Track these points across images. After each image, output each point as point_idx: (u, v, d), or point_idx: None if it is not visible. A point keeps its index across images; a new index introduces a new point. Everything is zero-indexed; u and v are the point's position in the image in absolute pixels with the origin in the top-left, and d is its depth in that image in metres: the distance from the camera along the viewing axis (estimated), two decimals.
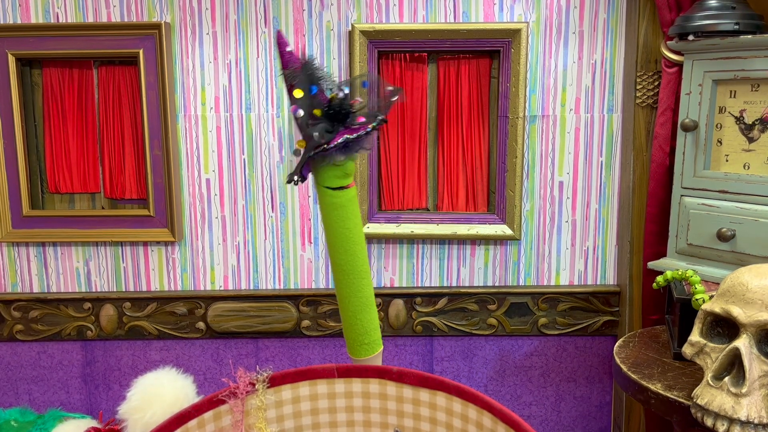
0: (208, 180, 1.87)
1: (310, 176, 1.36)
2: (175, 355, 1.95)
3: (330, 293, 1.90)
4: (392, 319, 1.91)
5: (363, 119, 1.31)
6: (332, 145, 1.28)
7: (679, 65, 1.60)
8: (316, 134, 1.27)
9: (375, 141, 1.48)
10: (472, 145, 1.87)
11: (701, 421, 1.17)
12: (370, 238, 1.88)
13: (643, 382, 1.37)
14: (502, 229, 1.85)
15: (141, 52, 1.77)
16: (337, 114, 1.29)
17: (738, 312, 1.16)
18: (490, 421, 1.16)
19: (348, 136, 1.28)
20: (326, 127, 1.29)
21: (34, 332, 1.93)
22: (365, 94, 1.48)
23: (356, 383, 1.31)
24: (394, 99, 1.39)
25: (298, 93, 1.30)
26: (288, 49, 1.35)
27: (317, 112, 1.29)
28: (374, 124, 1.31)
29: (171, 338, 1.93)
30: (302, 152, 1.31)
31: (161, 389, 1.45)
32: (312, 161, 1.32)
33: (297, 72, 1.31)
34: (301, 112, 1.29)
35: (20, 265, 1.92)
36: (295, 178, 1.34)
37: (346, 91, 1.30)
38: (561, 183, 1.86)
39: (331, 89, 1.31)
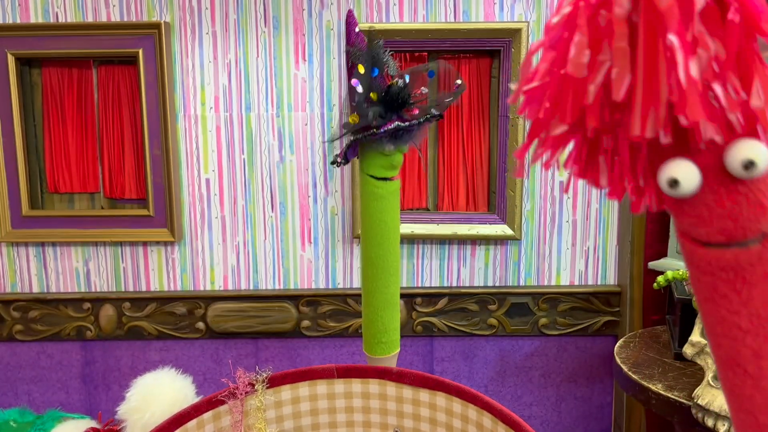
0: (207, 180, 1.86)
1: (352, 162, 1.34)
2: (175, 356, 1.95)
3: (330, 293, 1.90)
4: None
5: (417, 111, 1.29)
6: (381, 131, 1.26)
7: None
8: (369, 114, 1.25)
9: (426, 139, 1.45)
10: (472, 145, 1.86)
11: (702, 422, 1.17)
12: None
13: (644, 383, 1.36)
14: (502, 229, 1.84)
15: (140, 51, 1.76)
16: (393, 101, 1.26)
17: None
18: (490, 422, 1.16)
19: (399, 124, 1.26)
20: (380, 111, 1.27)
21: (34, 332, 1.93)
22: (433, 85, 1.44)
23: (356, 384, 1.30)
24: (457, 93, 1.36)
25: (361, 68, 1.28)
26: (357, 29, 1.34)
27: (374, 95, 1.27)
28: (426, 117, 1.28)
29: (170, 338, 1.93)
30: (351, 128, 1.29)
31: (160, 390, 1.45)
32: (359, 146, 1.30)
33: (362, 51, 1.30)
34: (360, 88, 1.27)
35: (20, 265, 1.92)
36: (339, 159, 1.32)
37: (407, 79, 1.28)
38: (561, 183, 1.85)
39: (392, 75, 1.29)
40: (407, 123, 1.26)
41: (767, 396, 0.50)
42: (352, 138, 1.29)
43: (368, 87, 1.27)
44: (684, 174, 0.45)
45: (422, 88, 1.30)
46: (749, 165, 0.44)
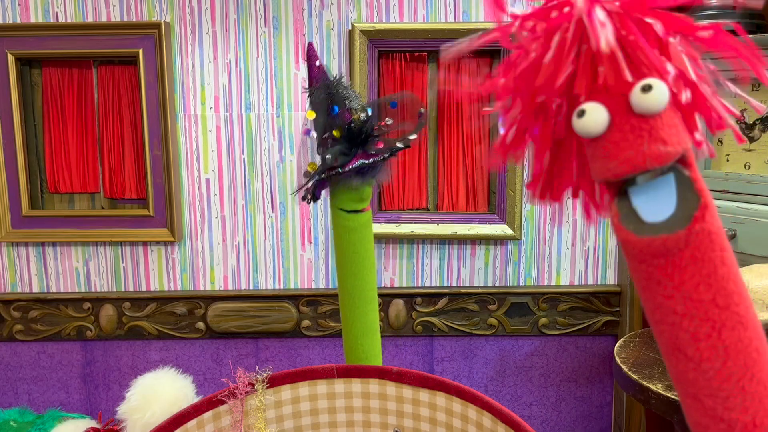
0: (207, 180, 1.87)
1: (325, 194, 1.34)
2: (175, 356, 1.95)
3: (330, 293, 1.90)
4: (392, 319, 1.91)
5: (381, 145, 1.28)
6: (346, 170, 1.26)
7: None
8: (328, 157, 1.25)
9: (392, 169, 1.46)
10: (472, 145, 1.86)
11: None
12: None
13: (644, 383, 1.36)
14: (502, 229, 1.85)
15: (141, 51, 1.76)
16: (357, 136, 1.27)
17: None
18: (490, 422, 1.16)
19: (363, 161, 1.26)
20: (342, 149, 1.27)
21: (34, 332, 1.93)
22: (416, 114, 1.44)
23: (356, 383, 1.30)
24: (420, 125, 1.36)
25: (311, 115, 1.29)
26: (317, 63, 1.33)
27: (336, 132, 1.27)
28: (391, 152, 1.28)
29: (171, 338, 1.93)
30: (311, 175, 1.30)
31: (161, 389, 1.45)
32: (328, 182, 1.30)
33: (318, 91, 1.29)
34: (313, 134, 1.28)
35: (20, 265, 1.92)
36: (308, 197, 1.32)
37: (369, 112, 1.27)
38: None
39: (355, 109, 1.29)
40: (371, 160, 1.26)
41: (709, 379, 0.51)
42: (317, 178, 1.29)
43: (330, 126, 1.27)
44: (591, 107, 0.51)
45: (386, 119, 1.30)
46: (647, 87, 0.49)
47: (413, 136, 1.31)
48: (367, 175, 1.29)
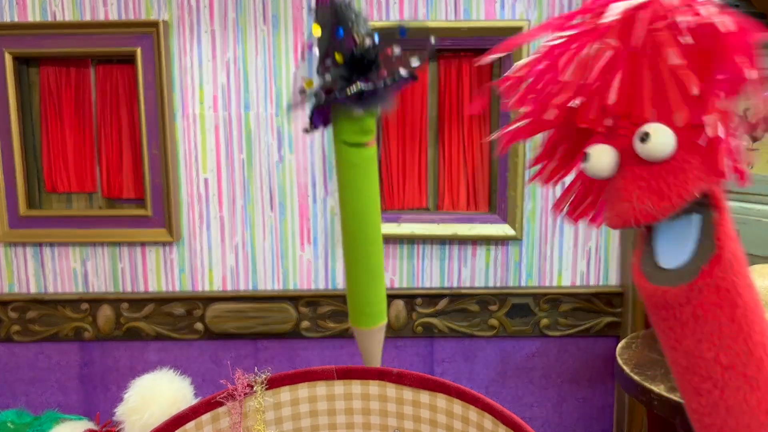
0: (206, 180, 1.85)
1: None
2: (173, 357, 1.94)
3: (329, 294, 1.89)
4: (392, 320, 1.89)
5: (385, 73, 1.22)
6: (344, 95, 1.17)
7: None
8: (327, 77, 1.19)
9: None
10: (473, 145, 1.85)
11: None
12: None
13: (646, 384, 1.35)
14: (503, 230, 1.83)
15: (139, 50, 1.75)
16: (359, 63, 1.17)
17: None
18: (491, 423, 1.15)
19: (363, 87, 1.17)
20: (342, 73, 1.19)
21: (31, 333, 1.92)
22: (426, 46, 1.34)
23: (356, 385, 1.29)
24: (428, 52, 1.28)
25: (317, 30, 1.20)
26: None
27: (338, 57, 1.17)
28: (393, 79, 1.21)
29: (169, 339, 1.92)
30: (308, 93, 1.22)
31: (159, 391, 1.44)
32: (329, 111, 1.23)
33: (324, 8, 1.22)
34: (316, 52, 1.21)
35: (17, 265, 1.91)
36: (307, 127, 1.25)
37: (375, 39, 1.21)
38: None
39: (361, 34, 1.22)
40: (372, 86, 1.17)
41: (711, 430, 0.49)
42: (314, 103, 1.23)
43: (332, 48, 1.20)
44: (597, 150, 0.49)
45: (394, 47, 1.23)
46: (644, 137, 0.46)
47: (417, 63, 1.23)
48: (369, 104, 1.20)
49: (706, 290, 0.47)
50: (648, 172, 0.47)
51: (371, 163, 1.27)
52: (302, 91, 1.24)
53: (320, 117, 1.25)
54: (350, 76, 1.19)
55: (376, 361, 1.43)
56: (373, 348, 1.42)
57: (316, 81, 1.22)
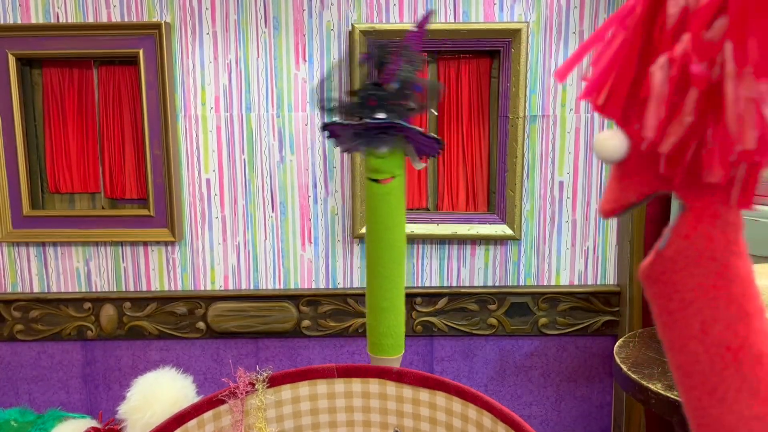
0: (208, 180, 1.87)
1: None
2: (175, 355, 1.95)
3: (330, 293, 1.90)
4: None
5: (383, 116, 1.25)
6: (341, 126, 1.22)
7: None
8: (333, 103, 1.24)
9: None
10: (472, 145, 1.86)
11: None
12: None
13: (644, 382, 1.37)
14: (502, 229, 1.85)
15: (141, 51, 1.76)
16: (368, 100, 1.23)
17: None
18: (490, 421, 1.16)
19: (351, 123, 1.22)
20: (358, 109, 1.24)
21: (34, 332, 1.93)
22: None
23: (356, 383, 1.30)
24: (424, 105, 1.32)
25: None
26: (419, 31, 1.29)
27: (352, 93, 1.25)
28: (383, 121, 1.23)
29: (171, 338, 1.93)
30: (323, 103, 1.27)
31: (161, 389, 1.45)
32: (338, 131, 1.27)
33: (385, 47, 1.25)
34: (366, 68, 1.24)
35: (20, 265, 1.92)
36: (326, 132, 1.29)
37: (396, 86, 1.25)
38: (561, 183, 1.86)
39: (396, 76, 1.25)
40: (359, 124, 1.21)
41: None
42: (329, 118, 1.27)
43: (366, 77, 1.25)
44: (608, 134, 0.47)
45: (410, 102, 1.27)
46: (599, 138, 0.48)
47: (415, 106, 1.27)
48: (371, 143, 1.24)
49: (647, 283, 0.49)
50: (615, 168, 0.49)
51: (384, 199, 1.30)
52: (322, 91, 1.28)
53: (333, 134, 1.28)
54: (360, 110, 1.23)
55: None
56: None
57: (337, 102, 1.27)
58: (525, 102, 1.79)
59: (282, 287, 1.92)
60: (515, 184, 1.82)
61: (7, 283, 1.93)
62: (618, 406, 1.95)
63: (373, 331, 1.40)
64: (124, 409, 1.45)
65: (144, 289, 1.93)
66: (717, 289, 0.46)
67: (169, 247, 1.91)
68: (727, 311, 0.46)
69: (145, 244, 1.90)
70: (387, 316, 1.38)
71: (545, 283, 1.91)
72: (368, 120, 1.23)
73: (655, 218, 1.74)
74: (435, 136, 1.29)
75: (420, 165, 1.35)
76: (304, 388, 1.30)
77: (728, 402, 0.47)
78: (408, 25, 1.76)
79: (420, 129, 1.27)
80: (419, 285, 1.92)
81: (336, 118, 1.26)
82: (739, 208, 0.46)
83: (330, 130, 1.29)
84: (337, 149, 1.81)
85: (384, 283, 1.36)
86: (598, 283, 1.92)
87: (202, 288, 1.92)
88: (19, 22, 1.79)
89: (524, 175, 1.84)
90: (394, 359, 1.42)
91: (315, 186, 1.86)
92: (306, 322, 1.92)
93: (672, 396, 1.30)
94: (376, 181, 1.29)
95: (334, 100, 1.27)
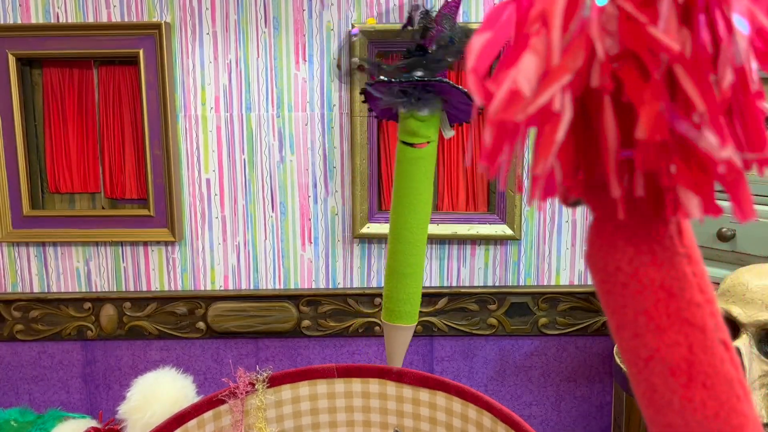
0: (208, 180, 1.87)
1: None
2: (175, 355, 1.95)
3: (330, 293, 1.90)
4: None
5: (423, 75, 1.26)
6: (386, 84, 1.23)
7: None
8: (373, 64, 1.27)
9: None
10: (472, 145, 1.86)
11: None
12: (370, 238, 1.88)
13: None
14: (502, 229, 1.85)
15: (141, 52, 1.77)
16: (424, 59, 1.25)
17: (738, 312, 1.16)
18: (490, 421, 1.16)
19: (390, 80, 1.23)
20: (396, 70, 1.24)
21: (34, 332, 1.93)
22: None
23: (356, 383, 1.31)
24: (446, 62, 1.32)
25: (372, 21, 1.34)
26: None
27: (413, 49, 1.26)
28: (412, 79, 1.24)
29: (171, 338, 1.93)
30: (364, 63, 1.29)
31: (161, 389, 1.45)
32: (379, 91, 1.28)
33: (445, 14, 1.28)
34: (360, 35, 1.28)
35: (20, 265, 1.92)
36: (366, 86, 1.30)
37: (436, 49, 1.27)
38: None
39: (445, 38, 1.28)
40: (407, 82, 1.22)
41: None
42: (368, 79, 1.29)
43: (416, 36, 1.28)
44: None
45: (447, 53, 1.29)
46: None
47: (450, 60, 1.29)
48: (408, 103, 1.25)
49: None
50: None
51: (417, 164, 1.30)
52: (355, 33, 1.31)
53: (372, 97, 1.29)
54: (410, 69, 1.25)
55: (396, 361, 1.45)
56: (398, 346, 1.44)
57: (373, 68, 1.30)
58: None
59: (282, 287, 1.92)
60: (515, 184, 1.82)
61: (7, 283, 1.93)
62: (618, 406, 1.95)
63: (391, 297, 1.40)
64: (124, 409, 1.45)
65: (144, 289, 1.93)
66: (624, 297, 0.45)
67: (169, 247, 1.91)
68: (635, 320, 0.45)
69: (145, 244, 1.90)
70: (409, 282, 1.38)
71: (545, 283, 1.92)
72: (416, 77, 1.23)
73: None
74: (416, 78, 1.29)
75: (450, 132, 1.36)
76: (304, 388, 1.30)
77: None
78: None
79: (465, 89, 1.28)
80: None
81: (380, 77, 1.26)
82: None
83: (371, 90, 1.29)
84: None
85: (408, 249, 1.35)
86: None
87: (202, 288, 1.93)
88: (19, 22, 1.79)
89: (524, 175, 1.85)
90: (408, 327, 1.42)
91: (315, 186, 1.86)
92: (306, 322, 1.92)
93: None
94: (411, 145, 1.29)
95: (368, 61, 1.29)
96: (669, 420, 0.44)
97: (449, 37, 1.28)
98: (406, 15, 1.34)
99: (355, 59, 1.48)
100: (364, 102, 1.35)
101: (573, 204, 0.45)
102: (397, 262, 1.37)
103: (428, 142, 1.31)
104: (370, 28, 1.75)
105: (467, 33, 1.32)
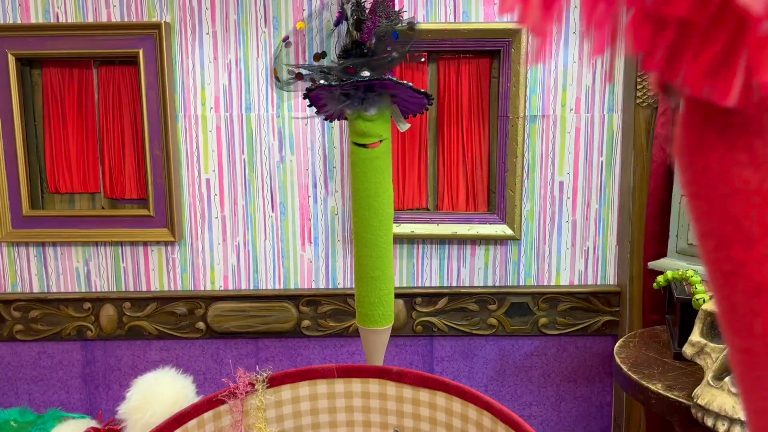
0: (207, 180, 1.87)
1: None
2: (175, 355, 1.95)
3: (330, 293, 1.90)
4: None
5: (368, 74, 1.24)
6: (328, 89, 1.22)
7: None
8: (316, 53, 1.28)
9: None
10: (472, 145, 1.86)
11: (702, 422, 1.17)
12: None
13: (644, 382, 1.37)
14: (502, 229, 1.85)
15: (141, 52, 1.76)
16: (362, 55, 1.25)
17: None
18: (489, 421, 1.16)
19: (354, 78, 1.21)
20: (339, 71, 1.24)
21: (34, 332, 1.93)
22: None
23: (356, 383, 1.30)
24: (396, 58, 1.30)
25: (301, 25, 1.30)
26: None
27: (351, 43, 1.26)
28: (368, 78, 1.22)
29: (171, 338, 1.93)
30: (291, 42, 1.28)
31: (161, 389, 1.45)
32: (321, 97, 1.27)
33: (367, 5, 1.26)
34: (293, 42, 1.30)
35: (20, 265, 1.92)
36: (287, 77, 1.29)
37: (375, 41, 1.25)
38: (561, 183, 1.86)
39: (379, 31, 1.26)
40: (348, 83, 1.21)
41: None
42: (309, 85, 1.28)
43: (347, 37, 1.26)
44: None
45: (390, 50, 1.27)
46: None
47: (366, 74, 1.26)
48: (354, 104, 1.24)
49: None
50: None
51: (372, 165, 1.29)
52: (286, 41, 1.29)
53: (316, 101, 1.28)
54: (347, 69, 1.23)
55: (377, 362, 1.46)
56: (376, 349, 1.44)
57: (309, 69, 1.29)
58: (525, 102, 1.79)
59: (282, 287, 1.92)
60: (515, 184, 1.82)
61: (7, 283, 1.93)
62: (618, 406, 1.95)
63: (363, 301, 1.39)
64: (124, 409, 1.45)
65: (144, 289, 1.93)
66: (710, 202, 0.39)
67: (169, 247, 1.91)
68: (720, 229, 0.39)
69: (145, 244, 1.90)
70: (378, 285, 1.37)
71: (545, 283, 1.91)
72: (357, 79, 1.22)
73: (655, 218, 1.73)
74: (424, 90, 1.28)
75: (405, 126, 1.35)
76: (304, 388, 1.30)
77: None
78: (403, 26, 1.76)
79: (409, 84, 1.26)
80: (419, 285, 1.92)
81: (319, 82, 1.25)
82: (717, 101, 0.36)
83: (314, 95, 1.28)
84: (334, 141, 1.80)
85: (373, 252, 1.34)
86: (598, 283, 1.92)
87: (202, 288, 1.92)
88: (19, 22, 1.79)
89: (524, 175, 1.85)
90: (383, 330, 1.42)
91: (315, 186, 1.86)
92: (306, 322, 1.92)
93: (671, 396, 1.30)
94: (363, 146, 1.27)
95: (308, 66, 1.28)
96: (748, 345, 0.39)
97: (388, 29, 1.25)
98: (337, 9, 1.31)
99: (293, 67, 1.47)
100: (309, 106, 1.34)
101: (666, 86, 0.37)
102: (364, 266, 1.36)
103: (380, 141, 1.29)
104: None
105: (411, 24, 1.30)
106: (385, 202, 1.33)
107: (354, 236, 1.38)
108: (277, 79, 1.40)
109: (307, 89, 1.27)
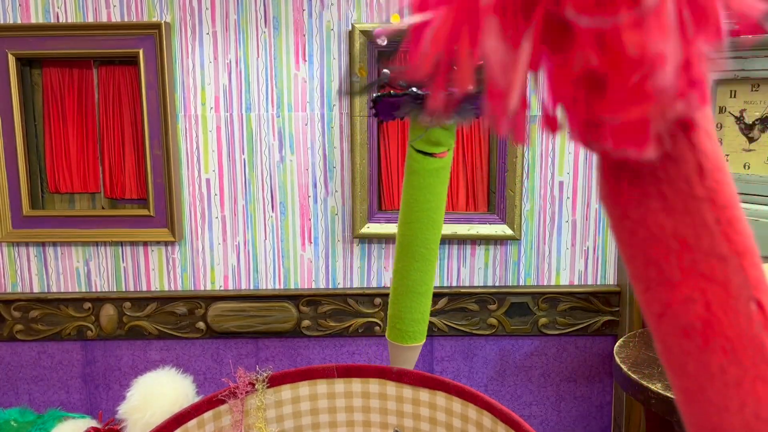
0: (208, 180, 1.87)
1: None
2: (175, 355, 1.95)
3: (330, 293, 1.90)
4: None
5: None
6: (391, 91, 1.13)
7: None
8: (385, 72, 1.18)
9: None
10: (472, 145, 1.87)
11: None
12: (370, 238, 1.88)
13: (644, 382, 1.37)
14: (502, 229, 1.85)
15: (141, 51, 1.77)
16: None
17: None
18: (490, 421, 1.16)
19: (413, 90, 1.12)
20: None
21: (34, 332, 1.93)
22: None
23: (356, 383, 1.31)
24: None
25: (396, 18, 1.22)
26: None
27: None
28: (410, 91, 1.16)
29: (171, 338, 1.93)
30: (362, 83, 1.21)
31: (161, 389, 1.45)
32: (395, 104, 1.17)
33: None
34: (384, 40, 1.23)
35: (20, 265, 1.92)
36: (371, 112, 1.19)
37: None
38: (561, 183, 1.86)
39: None
40: (414, 90, 1.13)
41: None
42: (374, 94, 1.17)
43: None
44: None
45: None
46: None
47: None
48: (418, 107, 1.13)
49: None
50: None
51: (433, 175, 1.21)
52: (355, 78, 1.23)
53: (384, 109, 1.18)
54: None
55: None
56: (407, 365, 1.37)
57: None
58: None
59: (282, 287, 1.92)
60: (515, 184, 1.82)
61: (7, 283, 1.93)
62: (618, 406, 1.95)
63: (403, 318, 1.31)
64: (124, 409, 1.46)
65: (144, 289, 1.93)
66: (633, 247, 0.40)
67: (169, 247, 1.91)
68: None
69: (145, 244, 1.90)
70: (423, 301, 1.29)
71: (545, 283, 1.92)
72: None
73: None
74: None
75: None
76: (304, 388, 1.30)
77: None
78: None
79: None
80: None
81: (410, 90, 1.18)
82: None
83: (383, 103, 1.21)
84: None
85: (423, 267, 1.27)
86: (598, 283, 1.92)
87: (202, 288, 1.92)
88: (19, 22, 1.79)
89: (524, 175, 1.85)
90: (418, 347, 1.36)
91: (315, 186, 1.86)
92: (306, 322, 1.92)
93: (672, 396, 1.30)
94: (429, 155, 1.18)
95: (383, 79, 1.24)
96: (685, 385, 0.40)
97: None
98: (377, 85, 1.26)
99: (377, 78, 1.40)
100: (375, 116, 1.28)
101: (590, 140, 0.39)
102: (412, 281, 1.27)
103: (447, 150, 1.21)
104: (370, 27, 1.74)
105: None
106: (442, 215, 1.26)
107: (400, 249, 1.28)
108: (348, 93, 1.30)
109: (377, 95, 1.19)
